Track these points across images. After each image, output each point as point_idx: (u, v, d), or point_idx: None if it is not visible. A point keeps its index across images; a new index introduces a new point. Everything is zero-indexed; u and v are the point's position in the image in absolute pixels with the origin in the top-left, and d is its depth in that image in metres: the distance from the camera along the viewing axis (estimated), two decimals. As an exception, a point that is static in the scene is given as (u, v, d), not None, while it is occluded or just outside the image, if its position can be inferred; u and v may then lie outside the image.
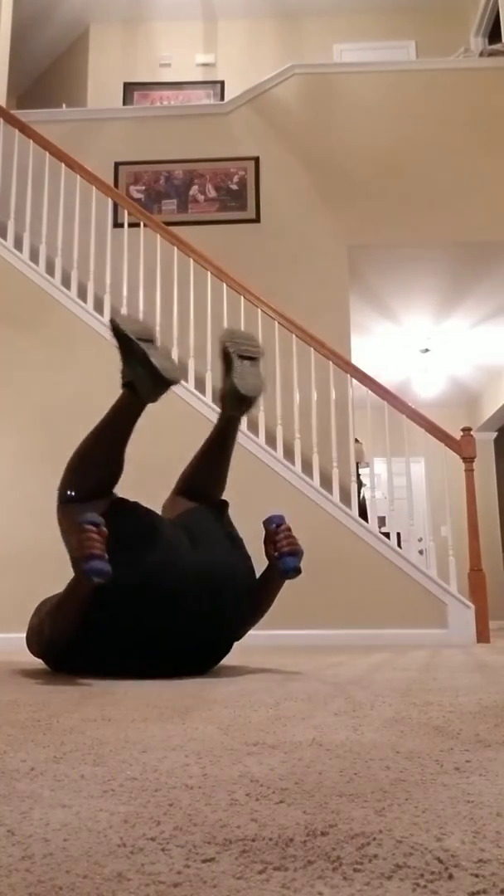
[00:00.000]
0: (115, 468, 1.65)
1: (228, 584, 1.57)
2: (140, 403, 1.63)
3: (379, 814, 0.46)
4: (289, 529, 1.63)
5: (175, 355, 3.76)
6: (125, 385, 1.62)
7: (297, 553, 1.59)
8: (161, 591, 1.49)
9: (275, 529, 1.62)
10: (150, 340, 1.59)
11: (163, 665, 1.52)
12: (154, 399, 1.60)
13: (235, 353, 1.69)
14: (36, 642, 1.63)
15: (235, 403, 1.68)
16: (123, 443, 1.65)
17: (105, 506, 1.59)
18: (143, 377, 1.56)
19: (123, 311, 3.82)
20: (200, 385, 3.82)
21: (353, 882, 0.35)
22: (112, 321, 1.62)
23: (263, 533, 1.65)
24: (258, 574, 1.66)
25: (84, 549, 1.37)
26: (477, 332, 5.92)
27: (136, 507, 1.62)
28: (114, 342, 1.63)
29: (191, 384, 3.71)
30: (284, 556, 1.58)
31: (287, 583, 1.68)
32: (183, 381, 3.70)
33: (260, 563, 1.67)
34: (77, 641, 1.53)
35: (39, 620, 1.61)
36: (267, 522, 1.65)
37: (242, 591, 1.61)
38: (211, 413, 3.63)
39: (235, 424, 1.79)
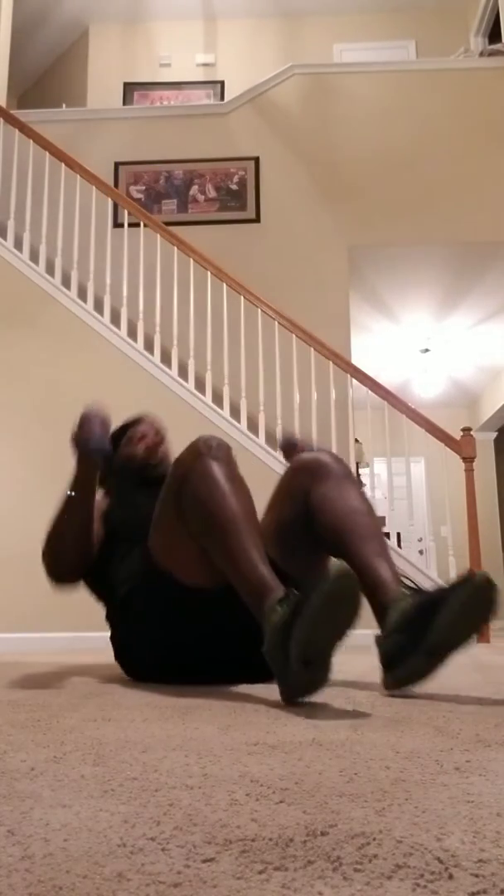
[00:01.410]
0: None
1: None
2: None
3: (379, 814, 0.46)
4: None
5: (175, 355, 3.76)
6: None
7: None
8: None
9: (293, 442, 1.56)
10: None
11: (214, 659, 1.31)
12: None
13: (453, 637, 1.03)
14: (49, 562, 1.46)
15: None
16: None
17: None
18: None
19: (123, 310, 3.82)
20: (200, 385, 3.82)
21: (353, 882, 0.35)
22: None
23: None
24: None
25: (83, 431, 1.33)
26: (477, 331, 5.93)
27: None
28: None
29: (191, 384, 3.71)
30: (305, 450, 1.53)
31: None
32: (183, 381, 3.71)
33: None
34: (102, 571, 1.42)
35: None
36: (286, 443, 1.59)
37: None
38: (209, 411, 3.63)
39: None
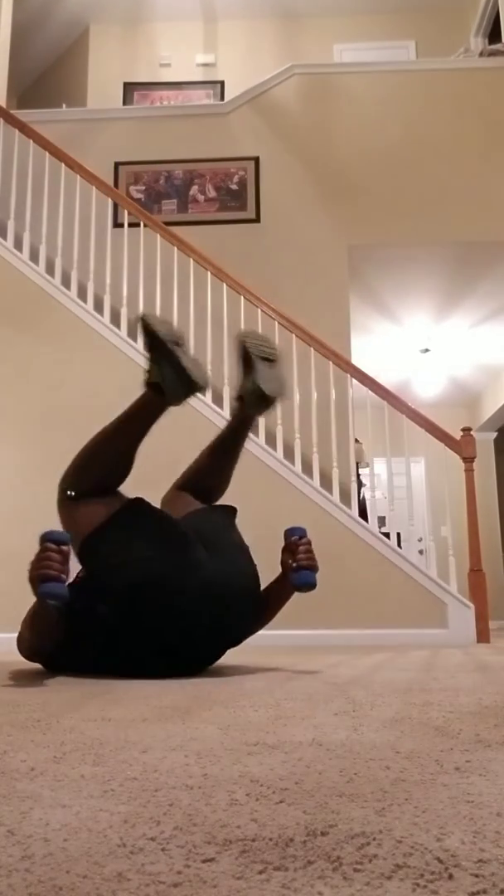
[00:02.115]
0: (123, 468, 1.62)
1: (244, 595, 1.56)
2: (163, 405, 1.58)
3: (379, 814, 0.46)
4: (309, 543, 1.62)
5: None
6: (150, 385, 1.57)
7: (314, 569, 1.59)
8: (180, 594, 1.45)
9: (296, 541, 1.61)
10: (180, 344, 1.56)
11: (162, 667, 1.50)
12: (179, 402, 1.56)
13: (256, 355, 1.68)
14: (25, 648, 1.63)
15: (256, 403, 1.67)
16: (137, 443, 1.61)
17: (119, 504, 1.56)
18: (172, 379, 1.52)
19: (123, 310, 3.82)
20: (200, 385, 3.81)
21: (353, 882, 0.35)
22: (143, 318, 1.57)
23: (275, 542, 1.67)
24: (266, 582, 1.66)
25: (39, 569, 1.33)
26: (477, 331, 5.93)
27: (153, 508, 1.60)
28: (143, 340, 1.60)
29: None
30: (302, 569, 1.58)
31: None
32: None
33: (267, 571, 1.67)
34: (69, 641, 1.52)
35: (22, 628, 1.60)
36: (289, 532, 1.64)
37: (254, 601, 1.60)
38: (208, 411, 3.63)
39: (248, 425, 1.79)
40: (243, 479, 3.23)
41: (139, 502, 1.57)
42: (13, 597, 3.44)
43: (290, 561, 1.60)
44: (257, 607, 1.63)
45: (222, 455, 1.80)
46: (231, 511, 1.72)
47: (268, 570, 1.70)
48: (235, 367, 1.76)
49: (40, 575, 1.33)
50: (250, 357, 1.67)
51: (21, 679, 1.47)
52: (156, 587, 1.45)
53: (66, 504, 1.60)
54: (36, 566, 1.35)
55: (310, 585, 1.57)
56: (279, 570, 1.66)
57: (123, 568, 1.47)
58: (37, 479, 3.50)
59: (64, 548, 1.36)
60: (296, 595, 1.67)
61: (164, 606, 1.45)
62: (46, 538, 1.37)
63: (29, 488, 3.52)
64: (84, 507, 1.56)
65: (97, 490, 1.59)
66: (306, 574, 1.57)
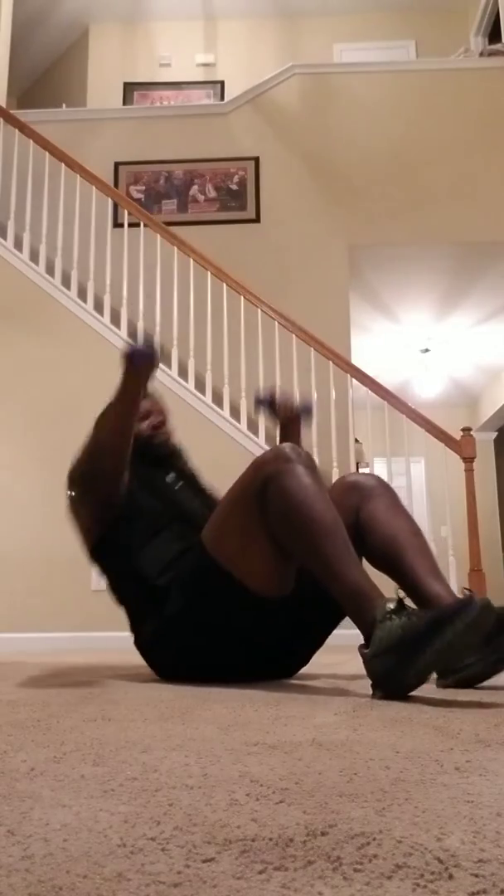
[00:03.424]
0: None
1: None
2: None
3: (379, 814, 0.46)
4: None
5: (175, 355, 3.76)
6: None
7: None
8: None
9: (271, 398, 1.58)
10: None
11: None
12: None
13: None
14: (92, 453, 1.44)
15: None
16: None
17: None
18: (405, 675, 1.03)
19: (123, 310, 3.82)
20: (200, 385, 3.82)
21: (353, 882, 0.35)
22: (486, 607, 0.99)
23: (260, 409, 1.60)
24: None
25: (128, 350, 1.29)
26: (477, 332, 5.93)
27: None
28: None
29: (190, 384, 3.71)
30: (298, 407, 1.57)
31: None
32: (183, 381, 3.71)
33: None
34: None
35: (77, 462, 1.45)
36: (260, 392, 1.61)
37: None
38: (209, 411, 3.63)
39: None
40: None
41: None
42: (12, 597, 3.44)
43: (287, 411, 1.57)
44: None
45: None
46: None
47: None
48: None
49: (131, 349, 1.28)
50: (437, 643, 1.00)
51: (21, 679, 1.47)
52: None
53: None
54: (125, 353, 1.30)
55: (310, 408, 1.56)
56: None
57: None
58: (36, 479, 3.50)
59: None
60: None
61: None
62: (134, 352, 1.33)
63: (28, 488, 3.52)
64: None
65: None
66: (303, 404, 1.56)
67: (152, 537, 1.43)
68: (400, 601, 1.07)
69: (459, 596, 1.12)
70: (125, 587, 1.47)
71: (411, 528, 1.35)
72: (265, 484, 1.22)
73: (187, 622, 1.32)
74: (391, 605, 1.06)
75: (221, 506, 1.33)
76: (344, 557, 1.15)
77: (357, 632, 1.13)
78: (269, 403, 1.59)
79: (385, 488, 1.41)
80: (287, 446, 1.27)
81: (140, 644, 1.42)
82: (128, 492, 1.46)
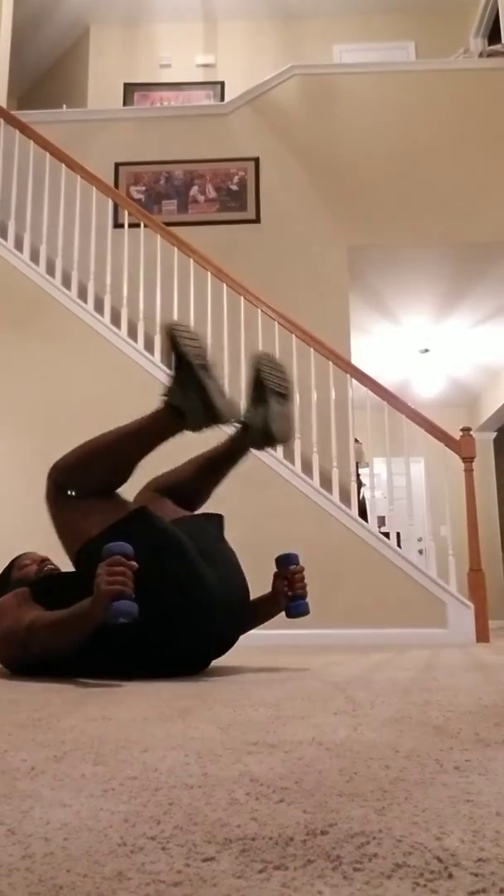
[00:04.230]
0: (124, 474, 1.57)
1: (243, 609, 1.56)
2: (178, 428, 1.50)
3: (379, 813, 0.46)
4: (303, 570, 1.65)
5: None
6: (168, 405, 1.48)
7: (306, 597, 1.63)
8: (185, 609, 1.42)
9: (293, 570, 1.63)
10: (208, 368, 1.46)
11: (154, 670, 1.47)
12: (198, 430, 1.47)
13: (270, 387, 1.58)
14: (10, 655, 1.52)
15: (259, 439, 1.59)
16: (145, 454, 1.56)
17: (123, 511, 1.51)
18: (197, 409, 1.42)
19: (124, 310, 3.82)
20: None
21: (352, 881, 0.35)
22: (172, 332, 1.45)
23: (275, 544, 1.69)
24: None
25: (113, 584, 1.25)
26: (476, 332, 5.93)
27: (159, 519, 1.50)
28: (166, 356, 1.47)
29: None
30: (298, 598, 1.62)
31: None
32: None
33: (265, 574, 1.68)
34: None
35: (12, 630, 1.47)
36: (283, 560, 1.66)
37: (247, 612, 1.61)
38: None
39: (244, 454, 1.71)
40: (243, 478, 3.24)
41: (144, 512, 1.50)
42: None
43: (286, 590, 1.63)
44: (247, 617, 1.64)
45: (209, 473, 1.73)
46: (219, 520, 1.66)
47: (266, 572, 1.70)
48: (246, 388, 1.64)
49: (115, 591, 1.25)
50: (264, 387, 1.58)
51: (21, 679, 1.47)
52: (161, 603, 1.39)
53: (63, 499, 1.55)
54: (108, 581, 1.26)
55: (304, 615, 1.64)
56: (274, 570, 1.67)
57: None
58: (36, 479, 3.50)
59: (132, 563, 1.29)
60: None
61: (169, 622, 1.41)
62: (114, 552, 1.29)
63: (28, 488, 3.52)
64: (84, 507, 1.53)
65: (95, 491, 1.55)
66: (302, 604, 1.63)
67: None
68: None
69: None
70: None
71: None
72: (51, 481, 1.58)
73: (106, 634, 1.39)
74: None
75: (57, 531, 1.58)
76: (114, 431, 1.55)
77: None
78: (283, 569, 1.65)
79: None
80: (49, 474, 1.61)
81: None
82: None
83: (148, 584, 1.34)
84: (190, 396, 1.44)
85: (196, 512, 1.73)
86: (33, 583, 1.67)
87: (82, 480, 1.56)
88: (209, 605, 1.43)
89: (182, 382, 1.45)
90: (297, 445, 3.70)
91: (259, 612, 1.68)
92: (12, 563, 1.83)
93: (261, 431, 1.58)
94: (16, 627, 1.47)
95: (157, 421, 1.52)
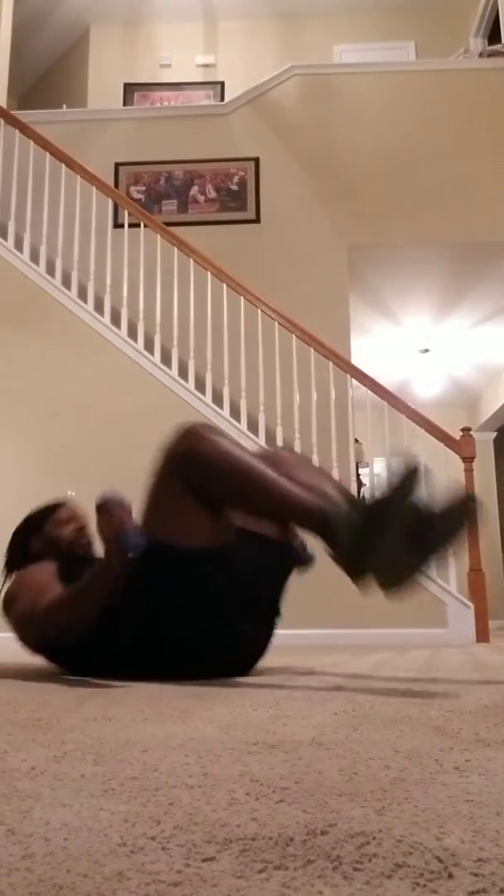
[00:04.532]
0: (242, 503, 1.37)
1: (259, 658, 1.53)
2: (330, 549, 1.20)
3: (379, 813, 0.46)
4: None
5: (175, 355, 3.76)
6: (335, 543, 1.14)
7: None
8: (223, 655, 1.41)
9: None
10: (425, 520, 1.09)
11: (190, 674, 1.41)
12: (358, 581, 1.14)
13: (402, 519, 1.10)
14: (27, 636, 1.50)
15: (357, 575, 1.16)
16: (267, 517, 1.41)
17: (219, 541, 1.38)
18: (389, 567, 1.07)
19: (124, 310, 3.81)
20: (200, 385, 3.82)
21: (352, 881, 0.35)
22: (410, 470, 1.07)
23: None
24: None
25: (117, 521, 1.24)
26: (477, 332, 5.93)
27: (240, 571, 1.39)
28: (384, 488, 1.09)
29: (191, 384, 3.71)
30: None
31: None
32: (183, 381, 3.70)
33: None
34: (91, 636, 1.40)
35: (31, 611, 1.43)
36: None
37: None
38: (209, 411, 3.62)
39: (305, 567, 1.54)
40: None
41: (228, 557, 1.38)
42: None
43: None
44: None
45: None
46: (301, 562, 1.52)
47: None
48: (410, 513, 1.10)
49: (118, 523, 1.23)
50: (393, 517, 1.10)
51: (21, 679, 1.47)
52: (195, 642, 1.37)
53: (178, 486, 1.35)
54: (111, 524, 1.24)
55: (312, 560, 1.59)
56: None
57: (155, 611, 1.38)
58: (36, 479, 3.50)
59: (127, 506, 1.29)
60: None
61: (191, 648, 1.38)
62: (109, 502, 1.27)
63: (28, 488, 3.52)
64: (188, 508, 1.37)
65: (213, 501, 1.37)
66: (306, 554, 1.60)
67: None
68: (347, 498, 1.18)
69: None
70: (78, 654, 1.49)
71: (333, 483, 1.47)
72: (185, 461, 1.32)
73: (153, 600, 1.36)
74: (340, 505, 1.18)
75: (146, 498, 1.39)
76: (277, 483, 1.25)
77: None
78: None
79: (301, 456, 1.54)
80: (189, 424, 1.36)
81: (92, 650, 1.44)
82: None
83: (187, 615, 1.35)
84: (383, 549, 1.09)
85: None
86: (62, 555, 1.57)
87: (219, 492, 1.34)
88: (243, 656, 1.43)
89: (377, 530, 1.09)
90: (296, 445, 3.70)
91: None
92: (50, 510, 1.71)
93: (382, 580, 1.12)
94: (35, 609, 1.42)
95: (307, 527, 1.24)
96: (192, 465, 1.31)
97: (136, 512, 1.35)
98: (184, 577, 1.36)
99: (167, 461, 1.35)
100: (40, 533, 1.66)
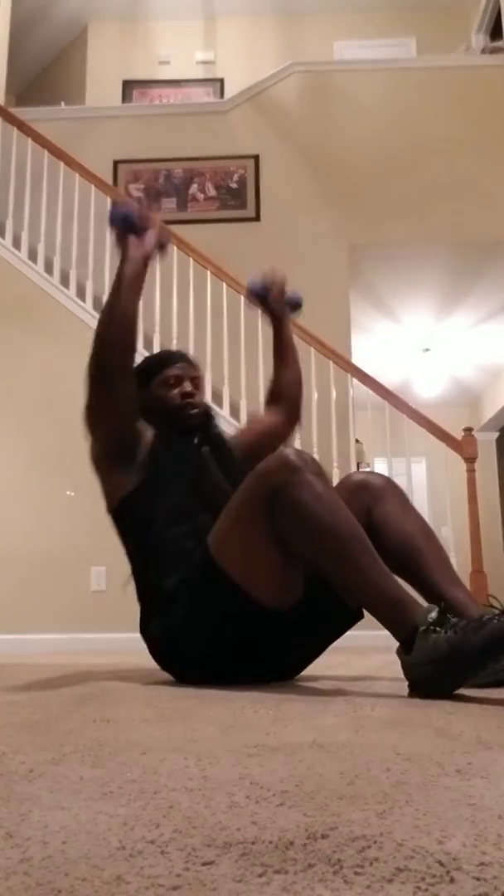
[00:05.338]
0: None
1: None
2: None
3: (380, 816, 0.46)
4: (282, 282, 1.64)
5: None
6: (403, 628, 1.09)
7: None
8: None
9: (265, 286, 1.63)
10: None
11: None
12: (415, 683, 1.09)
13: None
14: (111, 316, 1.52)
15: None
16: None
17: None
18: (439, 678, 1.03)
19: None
20: (200, 384, 3.81)
21: (353, 885, 0.35)
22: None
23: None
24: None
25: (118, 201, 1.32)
26: (478, 331, 5.92)
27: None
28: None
29: (191, 383, 3.70)
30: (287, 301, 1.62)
31: None
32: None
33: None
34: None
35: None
36: (254, 285, 1.65)
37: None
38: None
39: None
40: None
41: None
42: (12, 598, 3.44)
43: (275, 302, 1.66)
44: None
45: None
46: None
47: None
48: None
49: (115, 202, 1.32)
50: (474, 668, 1.05)
51: (20, 680, 1.47)
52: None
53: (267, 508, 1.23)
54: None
55: (299, 302, 1.62)
56: None
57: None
58: (36, 478, 3.50)
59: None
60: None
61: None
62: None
63: (27, 488, 3.52)
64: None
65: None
66: (293, 297, 1.65)
67: (172, 526, 1.36)
68: (440, 611, 1.07)
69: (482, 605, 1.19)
70: (138, 563, 1.42)
71: (424, 530, 1.35)
72: (273, 495, 1.17)
73: (192, 631, 1.29)
74: (433, 616, 1.06)
75: (227, 513, 1.26)
76: (373, 567, 1.13)
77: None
78: (263, 298, 1.64)
79: (394, 488, 1.40)
80: (292, 452, 1.21)
81: (146, 638, 1.40)
82: (153, 453, 1.40)
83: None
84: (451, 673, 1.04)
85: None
86: (163, 424, 1.44)
87: (305, 553, 1.21)
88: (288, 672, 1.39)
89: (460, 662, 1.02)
90: (297, 446, 3.69)
91: (286, 351, 1.73)
92: (161, 363, 1.57)
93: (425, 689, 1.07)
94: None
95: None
96: (284, 509, 1.16)
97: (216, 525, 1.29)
98: (236, 625, 1.27)
99: (259, 489, 1.20)
100: (147, 388, 1.49)
